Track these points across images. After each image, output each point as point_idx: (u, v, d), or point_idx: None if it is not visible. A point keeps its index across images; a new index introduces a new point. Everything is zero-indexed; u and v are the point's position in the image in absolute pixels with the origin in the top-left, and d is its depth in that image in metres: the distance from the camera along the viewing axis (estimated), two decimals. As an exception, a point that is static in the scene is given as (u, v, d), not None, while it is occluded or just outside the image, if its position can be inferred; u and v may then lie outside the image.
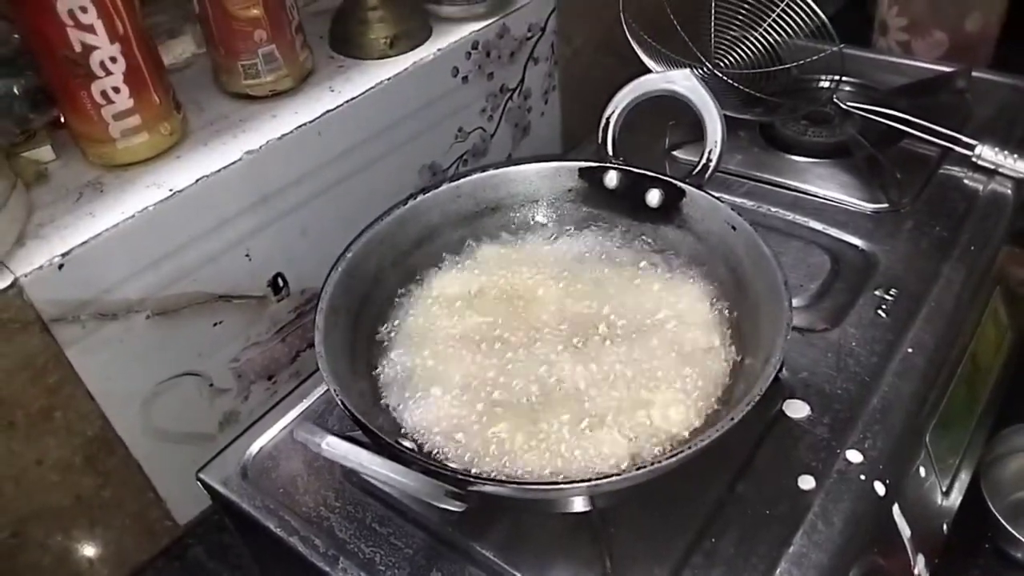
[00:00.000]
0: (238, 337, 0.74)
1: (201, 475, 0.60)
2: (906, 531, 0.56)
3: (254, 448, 0.61)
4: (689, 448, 0.43)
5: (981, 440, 0.70)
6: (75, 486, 0.66)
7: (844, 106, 0.84)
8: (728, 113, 0.63)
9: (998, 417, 0.73)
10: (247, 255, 0.71)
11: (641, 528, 0.53)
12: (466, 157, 0.88)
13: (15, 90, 0.63)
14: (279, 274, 0.75)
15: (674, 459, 0.43)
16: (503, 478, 0.45)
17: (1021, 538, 0.65)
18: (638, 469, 0.43)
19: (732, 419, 0.44)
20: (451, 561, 0.53)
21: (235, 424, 0.78)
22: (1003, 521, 0.66)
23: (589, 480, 0.43)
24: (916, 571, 0.57)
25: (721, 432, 0.44)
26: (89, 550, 0.72)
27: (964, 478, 0.65)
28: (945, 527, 0.62)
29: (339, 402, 0.46)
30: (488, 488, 0.43)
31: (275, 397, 0.80)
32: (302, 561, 0.54)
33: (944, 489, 0.62)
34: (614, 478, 0.43)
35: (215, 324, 0.71)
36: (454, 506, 0.42)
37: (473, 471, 0.47)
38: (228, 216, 0.68)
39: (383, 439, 0.44)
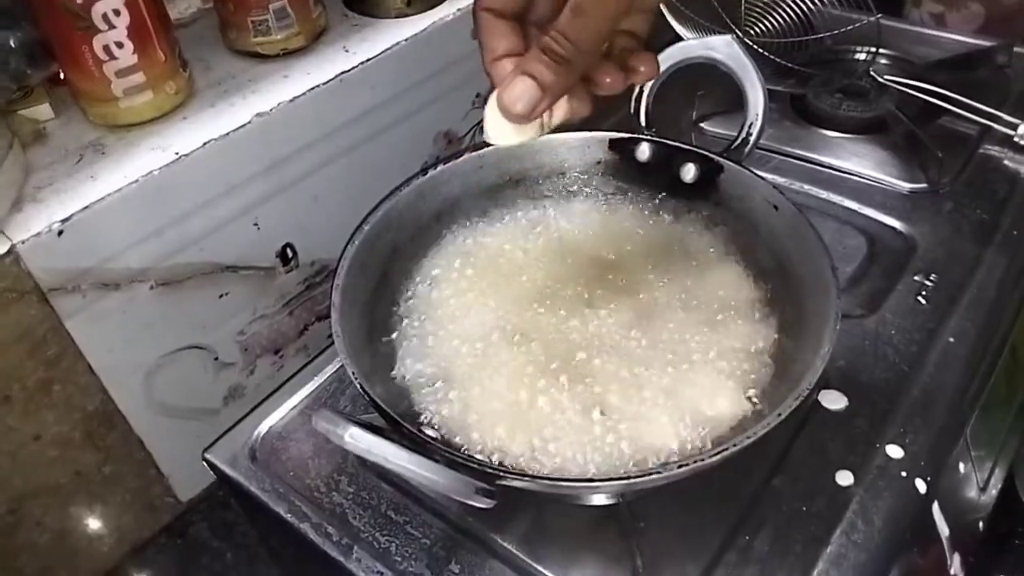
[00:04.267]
0: (244, 309, 0.71)
1: (207, 455, 0.57)
2: (944, 530, 0.53)
3: (263, 428, 0.58)
4: (734, 445, 0.40)
5: (1017, 434, 0.67)
6: (74, 462, 0.64)
7: (881, 79, 0.80)
8: (760, 84, 0.59)
9: (1034, 409, 0.70)
10: (255, 224, 0.68)
11: (672, 523, 0.50)
12: (482, 124, 0.84)
13: (11, 43, 0.59)
14: (288, 244, 0.72)
15: (718, 456, 0.40)
16: (535, 472, 0.42)
17: (1053, 535, 0.63)
18: (680, 467, 0.40)
19: (780, 415, 0.41)
20: (471, 553, 0.50)
21: (240, 399, 0.75)
22: (1037, 517, 0.63)
23: (628, 477, 0.40)
24: (952, 571, 0.55)
25: (768, 428, 0.41)
26: (88, 527, 0.69)
27: (1000, 473, 0.63)
28: (981, 524, 0.59)
29: (359, 386, 0.43)
30: (519, 483, 0.40)
31: (282, 372, 0.77)
32: (313, 549, 0.52)
33: (981, 485, 0.60)
34: (654, 476, 0.40)
35: (221, 296, 0.69)
36: (484, 503, 0.39)
37: (504, 463, 0.44)
38: (236, 182, 0.65)
39: (406, 427, 0.42)
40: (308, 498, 0.54)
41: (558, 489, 0.41)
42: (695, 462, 0.40)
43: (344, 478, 0.55)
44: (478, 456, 0.44)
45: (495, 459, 0.44)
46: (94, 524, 0.70)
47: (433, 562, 0.50)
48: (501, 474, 0.40)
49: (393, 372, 0.50)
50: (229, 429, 0.59)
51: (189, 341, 0.68)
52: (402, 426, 0.42)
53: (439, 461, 0.40)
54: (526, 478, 0.40)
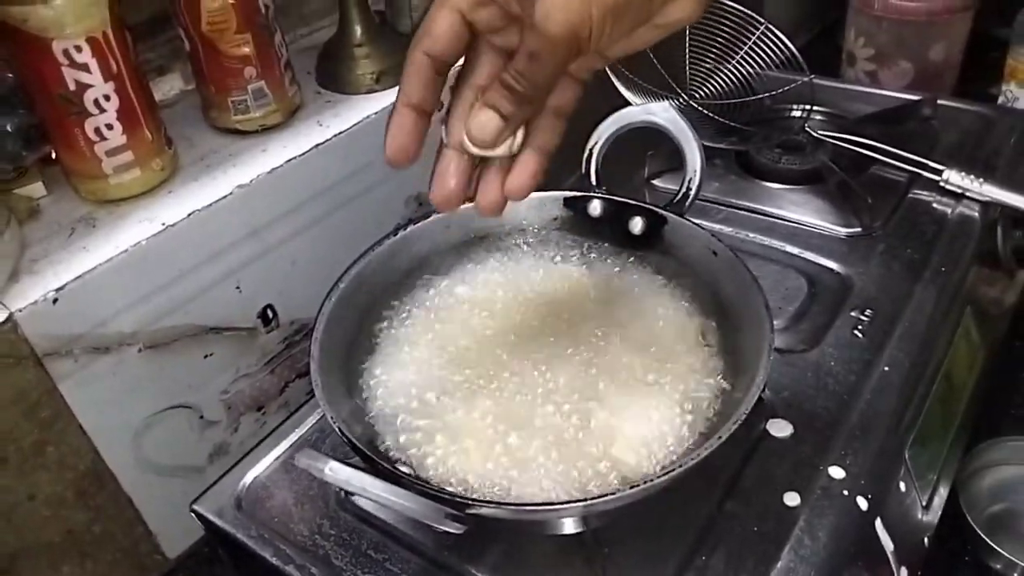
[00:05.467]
0: (228, 369, 0.75)
1: (195, 506, 0.60)
2: (889, 545, 0.57)
3: (248, 478, 0.62)
4: (680, 467, 0.45)
5: (958, 455, 0.72)
6: (66, 521, 0.66)
7: (816, 134, 0.87)
8: (704, 142, 0.65)
9: (973, 433, 0.75)
10: (238, 287, 0.72)
11: (634, 547, 0.54)
12: (451, 188, 0.89)
13: (8, 127, 0.64)
14: (269, 306, 0.76)
15: (666, 477, 0.44)
16: (500, 500, 0.46)
17: (999, 550, 0.67)
18: (631, 488, 0.44)
19: (720, 437, 0.46)
20: (447, 585, 0.53)
21: (225, 456, 0.78)
22: (981, 533, 0.67)
23: (584, 500, 0.44)
24: (899, 584, 0.59)
25: (710, 450, 0.45)
26: (80, 586, 0.71)
27: (943, 492, 0.67)
28: (926, 540, 0.63)
29: (337, 429, 0.47)
30: (486, 511, 0.44)
31: (265, 428, 0.81)
32: (300, 588, 0.55)
33: (924, 504, 0.64)
34: (608, 497, 0.44)
35: (206, 356, 0.72)
36: (454, 528, 0.43)
37: (471, 495, 0.48)
38: (219, 249, 0.69)
39: (381, 465, 0.46)
40: (292, 542, 0.57)
41: (521, 514, 0.45)
42: (646, 482, 0.44)
43: (326, 522, 0.58)
44: (448, 488, 0.47)
45: (464, 490, 0.48)
46: (85, 584, 0.72)
47: (413, 594, 0.53)
48: (469, 502, 0.44)
49: (368, 416, 0.54)
50: (216, 481, 0.62)
51: (176, 400, 0.72)
52: (377, 463, 0.46)
53: (414, 492, 0.44)
54: (491, 505, 0.44)
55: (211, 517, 0.60)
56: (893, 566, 0.58)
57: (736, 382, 0.54)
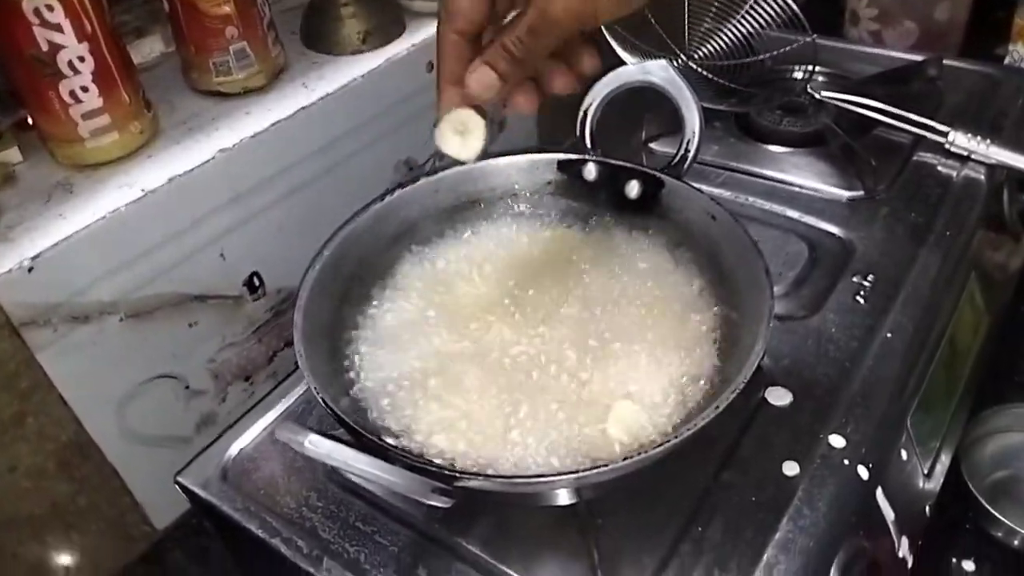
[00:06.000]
0: (214, 338, 0.73)
1: (179, 478, 0.59)
2: (890, 514, 0.56)
3: (233, 450, 0.60)
4: (676, 437, 0.43)
5: (961, 422, 0.70)
6: (49, 493, 0.65)
7: (818, 95, 0.85)
8: (704, 104, 0.63)
9: (976, 399, 0.73)
10: (222, 254, 0.70)
11: (628, 519, 0.52)
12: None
13: (-20, 91, 0.62)
14: (255, 273, 0.74)
15: (660, 448, 0.43)
16: (489, 473, 0.45)
17: (1001, 518, 0.66)
18: (625, 460, 0.42)
19: (717, 407, 0.44)
20: (437, 557, 0.52)
21: (212, 426, 0.77)
22: (983, 501, 0.66)
23: (576, 472, 0.43)
24: (900, 553, 0.57)
25: (706, 420, 0.44)
26: (64, 558, 0.70)
27: (945, 460, 0.66)
28: (927, 509, 0.62)
29: (320, 400, 0.46)
30: (474, 484, 0.43)
31: (253, 398, 0.79)
32: (285, 563, 0.53)
33: (926, 472, 0.62)
34: (601, 469, 0.42)
35: (190, 325, 0.71)
36: (441, 502, 0.41)
37: (459, 466, 0.46)
38: (201, 215, 0.67)
39: (367, 436, 0.44)
40: (279, 514, 0.56)
41: (511, 487, 0.44)
42: (640, 452, 0.43)
43: (313, 494, 0.57)
44: (435, 460, 0.46)
45: (452, 461, 0.47)
46: (70, 554, 0.71)
47: (401, 568, 0.52)
48: (456, 475, 0.43)
49: (355, 388, 0.52)
50: (200, 452, 0.60)
51: (160, 370, 0.70)
52: (363, 435, 0.44)
53: (399, 465, 0.42)
54: (479, 477, 0.43)
55: (196, 489, 0.58)
56: (894, 535, 0.57)
57: (735, 350, 0.52)
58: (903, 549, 0.57)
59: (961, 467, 0.68)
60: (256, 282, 0.74)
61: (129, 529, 0.74)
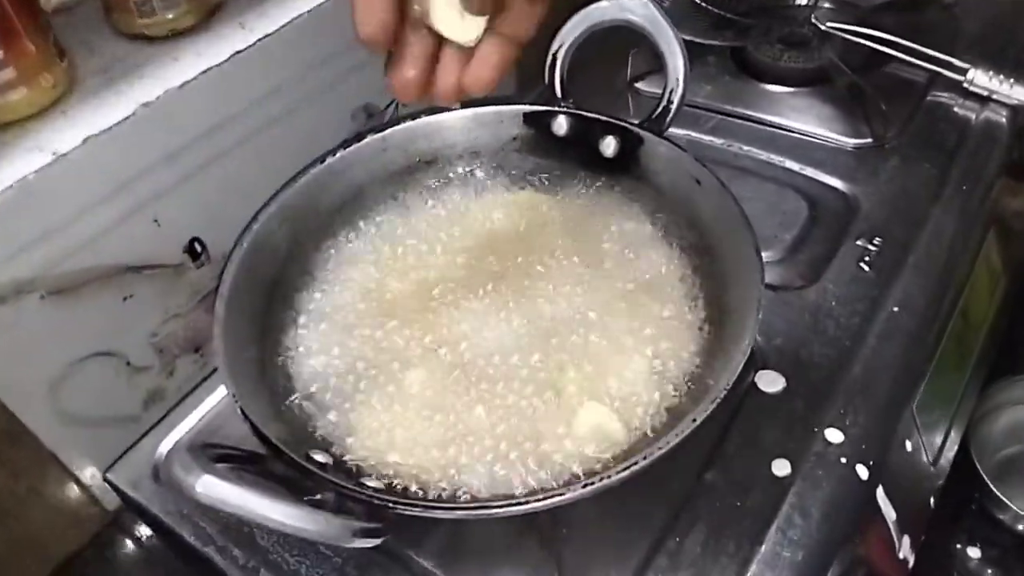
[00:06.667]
0: (155, 310, 0.67)
1: (108, 475, 0.54)
2: (891, 514, 0.51)
3: (165, 446, 0.55)
4: (644, 459, 0.37)
5: (972, 396, 0.64)
6: (-17, 482, 0.60)
7: (823, 27, 0.76)
8: (695, 39, 0.55)
9: (990, 369, 0.67)
10: (155, 220, 0.63)
11: (597, 528, 0.47)
12: (405, 96, 0.79)
13: None
14: (196, 239, 0.67)
15: (626, 472, 0.37)
16: (430, 500, 0.39)
17: (1008, 503, 0.60)
18: (584, 487, 0.37)
19: (695, 420, 0.38)
20: (385, 570, 0.47)
21: (161, 403, 0.71)
22: (990, 484, 0.61)
23: (526, 501, 0.37)
24: (901, 555, 0.52)
25: (682, 437, 0.38)
26: (9, 547, 0.66)
27: (954, 438, 0.60)
28: (932, 500, 0.57)
29: (240, 411, 0.40)
30: (415, 512, 0.37)
31: (204, 370, 0.73)
32: (219, 573, 0.49)
33: (932, 458, 0.57)
34: (556, 498, 0.36)
35: (125, 299, 0.64)
36: (368, 543, 0.35)
37: (400, 485, 0.40)
38: (126, 179, 0.60)
39: (288, 456, 0.38)
40: (214, 519, 0.50)
41: (456, 515, 0.38)
42: (603, 478, 0.37)
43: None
44: (369, 482, 0.40)
45: (391, 482, 0.41)
46: (15, 544, 0.66)
47: (346, 583, 0.47)
48: (390, 503, 0.37)
49: (285, 388, 0.46)
50: (131, 447, 0.55)
51: (95, 348, 0.64)
52: (284, 454, 0.38)
53: (327, 488, 0.37)
54: (418, 507, 0.37)
55: (125, 489, 0.53)
56: (895, 537, 0.51)
57: (719, 337, 0.46)
58: (904, 549, 0.52)
59: (969, 444, 0.63)
60: (198, 248, 0.67)
61: (77, 513, 0.69)
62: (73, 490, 0.68)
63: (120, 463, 0.54)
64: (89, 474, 0.67)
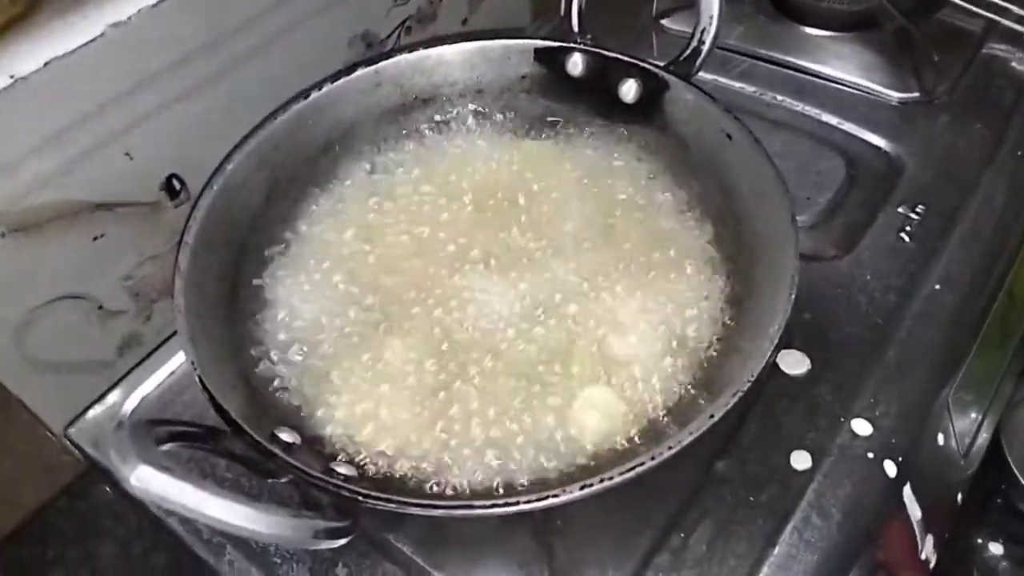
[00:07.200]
0: (128, 251, 0.62)
1: (69, 432, 0.50)
2: (916, 513, 0.46)
3: (133, 400, 0.50)
4: (652, 459, 0.33)
5: (1010, 381, 0.59)
6: (-54, 434, 0.56)
7: (873, -39, 0.68)
8: (729, -28, 0.48)
9: (1026, 353, 0.62)
10: (127, 154, 0.58)
11: (595, 521, 0.43)
12: (409, 24, 0.72)
13: None
14: (173, 175, 0.61)
15: (631, 473, 0.32)
16: (406, 495, 0.34)
17: (1038, 498, 0.56)
18: (583, 488, 0.32)
19: (712, 416, 0.33)
20: (361, 555, 0.43)
21: (138, 348, 0.67)
22: (1021, 478, 0.56)
23: (515, 502, 0.32)
24: (923, 555, 0.48)
25: (696, 435, 0.33)
26: (-26, 496, 0.63)
27: (986, 433, 0.55)
28: (959, 496, 0.52)
29: (198, 380, 0.35)
30: (389, 508, 0.32)
31: (185, 316, 0.69)
32: (182, 546, 0.45)
33: (963, 451, 0.52)
34: (551, 499, 0.32)
35: (95, 239, 0.59)
36: (329, 544, 0.31)
37: (370, 472, 0.36)
38: (94, 108, 0.54)
39: (250, 436, 0.34)
40: (179, 488, 0.46)
41: (433, 512, 0.33)
42: (603, 480, 0.32)
43: (222, 462, 0.47)
44: (341, 468, 0.35)
45: (369, 467, 0.36)
46: (-16, 493, 0.63)
47: (317, 565, 0.43)
48: (359, 496, 0.32)
49: (258, 352, 0.41)
50: (94, 402, 0.51)
51: (63, 291, 0.59)
52: (246, 434, 0.34)
53: (284, 476, 0.32)
54: (393, 503, 0.32)
55: (86, 447, 0.49)
56: (918, 537, 0.47)
57: (744, 318, 0.41)
58: (927, 550, 0.48)
59: (1000, 433, 0.58)
60: (176, 185, 0.62)
61: (48, 462, 0.66)
62: (43, 439, 0.64)
63: (82, 419, 0.50)
64: (60, 422, 0.64)
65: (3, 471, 0.63)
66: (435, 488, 0.36)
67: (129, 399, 0.51)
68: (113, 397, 0.51)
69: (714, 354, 0.40)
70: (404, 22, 0.73)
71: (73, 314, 0.61)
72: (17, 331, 0.58)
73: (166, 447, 0.32)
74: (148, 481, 0.28)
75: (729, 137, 0.44)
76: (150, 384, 0.52)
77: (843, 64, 0.65)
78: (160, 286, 0.66)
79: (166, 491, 0.28)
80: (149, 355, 0.54)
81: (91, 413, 0.51)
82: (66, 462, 0.67)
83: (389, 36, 0.72)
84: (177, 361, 0.53)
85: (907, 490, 0.45)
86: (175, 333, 0.55)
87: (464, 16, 0.79)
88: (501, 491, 0.36)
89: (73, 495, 0.68)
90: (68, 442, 0.50)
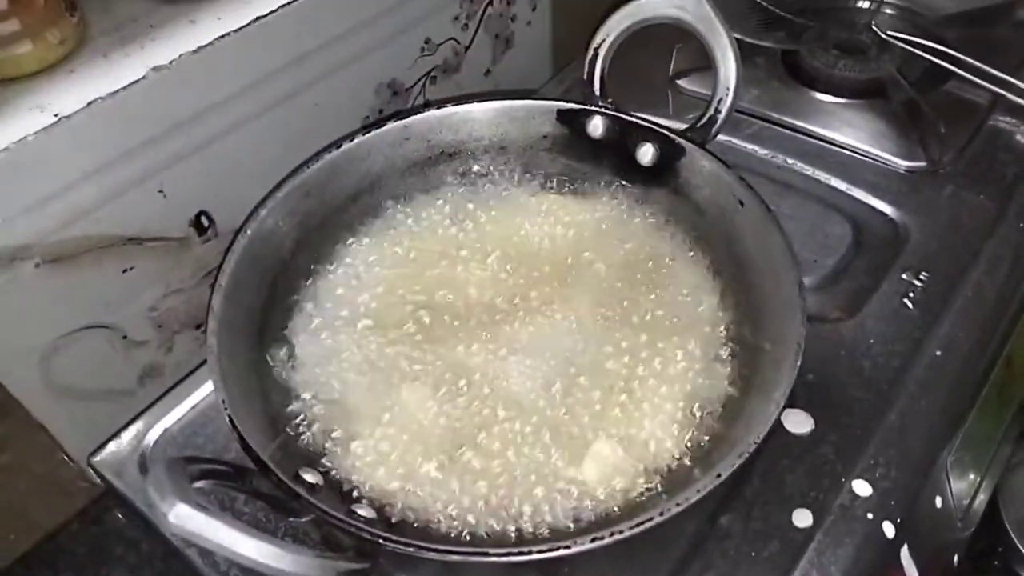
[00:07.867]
0: (155, 284, 0.64)
1: (93, 460, 0.51)
2: (913, 574, 0.47)
3: (156, 431, 0.52)
4: (660, 515, 0.34)
5: (1008, 446, 0.61)
6: (-33, 451, 0.58)
7: (883, 34, 0.71)
8: (745, 38, 0.51)
9: (1025, 419, 0.63)
10: (161, 191, 0.60)
11: (602, 569, 0.44)
12: (434, 74, 0.75)
13: None
14: (203, 212, 0.64)
15: (639, 528, 0.34)
16: (425, 539, 0.36)
17: (1035, 561, 0.57)
18: (592, 541, 0.33)
19: (719, 476, 0.35)
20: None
21: (159, 378, 0.69)
22: (1017, 541, 0.57)
23: (528, 551, 0.34)
24: (919, 616, 0.49)
25: (703, 493, 0.34)
26: (-8, 517, 0.64)
27: (984, 496, 0.57)
28: (956, 558, 0.53)
29: (228, 419, 0.37)
30: (408, 551, 0.34)
31: (205, 348, 0.71)
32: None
33: (961, 515, 0.53)
34: (562, 551, 0.33)
35: (125, 271, 0.61)
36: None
37: (393, 517, 0.37)
38: (133, 146, 0.56)
39: (276, 475, 0.35)
40: (199, 519, 0.48)
41: (450, 558, 0.35)
42: (612, 534, 0.34)
43: (242, 497, 0.48)
44: (362, 511, 0.37)
45: (389, 511, 0.38)
46: (-1, 512, 0.65)
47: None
48: (380, 539, 0.34)
49: (285, 394, 0.43)
50: (117, 432, 0.52)
51: (90, 320, 0.61)
52: (272, 474, 0.35)
53: (307, 514, 0.34)
54: (412, 546, 0.34)
55: (109, 477, 0.51)
56: (915, 597, 0.48)
57: (750, 381, 0.42)
58: (923, 610, 0.49)
59: (998, 495, 0.59)
60: (205, 222, 0.64)
61: (65, 486, 0.67)
62: (61, 463, 0.66)
63: (106, 448, 0.52)
64: (79, 447, 0.65)
65: (19, 492, 0.64)
66: (452, 533, 0.38)
67: (152, 430, 0.53)
68: (136, 427, 0.53)
69: (721, 415, 0.42)
70: (430, 72, 0.76)
71: (98, 343, 0.63)
72: (43, 358, 0.60)
73: (198, 484, 0.34)
74: (185, 519, 0.29)
75: (741, 203, 0.46)
76: (173, 416, 0.53)
77: (853, 131, 0.67)
78: (183, 318, 0.68)
79: (202, 529, 0.29)
80: (173, 387, 0.56)
81: (115, 443, 0.52)
82: (82, 487, 0.69)
83: (415, 85, 0.75)
84: (200, 395, 0.54)
85: (905, 551, 0.47)
86: (198, 366, 0.57)
87: (487, 67, 0.82)
88: (514, 538, 0.38)
89: (87, 520, 0.70)
90: (92, 470, 0.52)
